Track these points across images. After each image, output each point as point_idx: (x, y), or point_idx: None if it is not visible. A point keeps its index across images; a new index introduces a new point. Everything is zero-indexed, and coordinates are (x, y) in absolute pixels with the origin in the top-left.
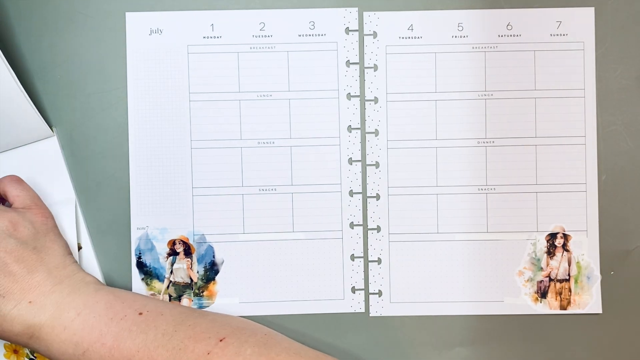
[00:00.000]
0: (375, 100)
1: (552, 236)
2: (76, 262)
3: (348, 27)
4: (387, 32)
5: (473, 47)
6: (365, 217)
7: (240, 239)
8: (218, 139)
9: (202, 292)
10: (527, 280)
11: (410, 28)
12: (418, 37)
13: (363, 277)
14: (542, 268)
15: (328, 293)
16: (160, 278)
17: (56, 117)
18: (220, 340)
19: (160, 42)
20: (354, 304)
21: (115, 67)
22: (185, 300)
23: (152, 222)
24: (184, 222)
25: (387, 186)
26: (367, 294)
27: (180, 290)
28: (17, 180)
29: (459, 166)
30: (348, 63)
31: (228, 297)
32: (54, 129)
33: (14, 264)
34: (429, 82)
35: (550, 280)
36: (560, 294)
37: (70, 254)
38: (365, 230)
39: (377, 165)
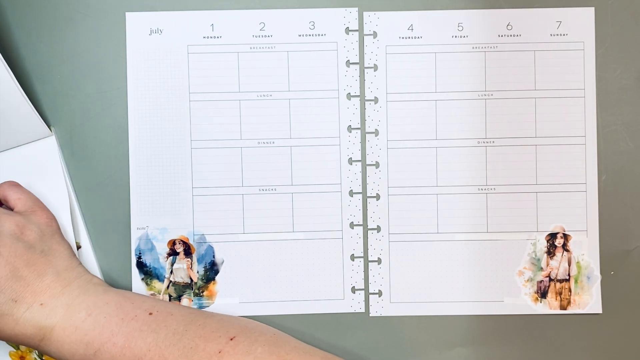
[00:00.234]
0: (375, 100)
1: (552, 236)
2: (81, 263)
3: (348, 27)
4: (387, 32)
5: (473, 47)
6: (365, 217)
7: (240, 239)
8: (218, 139)
9: (202, 292)
10: (527, 280)
11: (410, 28)
12: (418, 37)
13: (363, 277)
14: (542, 268)
15: (328, 293)
16: (160, 278)
17: (56, 117)
18: (231, 339)
19: (160, 42)
20: (354, 304)
21: (115, 67)
22: (185, 300)
23: (152, 222)
24: (184, 222)
25: (387, 186)
26: (367, 294)
27: (180, 290)
28: (15, 184)
29: (459, 166)
30: (348, 63)
31: (228, 297)
32: (52, 128)
33: (24, 268)
34: (429, 82)
35: (550, 280)
36: (560, 294)
37: (75, 255)
38: (365, 230)
39: (377, 165)
